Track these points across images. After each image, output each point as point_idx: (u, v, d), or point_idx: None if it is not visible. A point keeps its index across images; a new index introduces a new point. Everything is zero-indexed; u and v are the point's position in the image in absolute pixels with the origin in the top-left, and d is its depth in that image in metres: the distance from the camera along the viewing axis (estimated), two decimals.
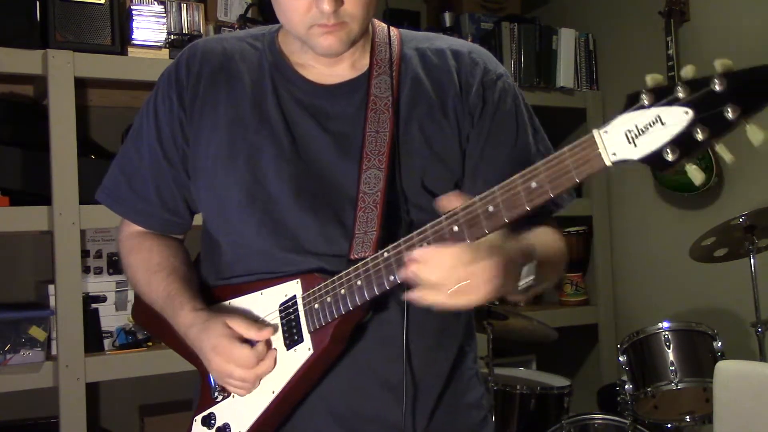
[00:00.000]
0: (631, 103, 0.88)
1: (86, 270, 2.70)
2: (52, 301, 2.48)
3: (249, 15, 2.87)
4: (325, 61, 1.26)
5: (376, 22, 1.33)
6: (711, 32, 3.07)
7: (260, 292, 1.26)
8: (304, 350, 1.19)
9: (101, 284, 2.73)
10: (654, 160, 0.87)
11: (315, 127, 1.25)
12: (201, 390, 1.36)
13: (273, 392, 1.22)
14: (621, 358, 2.60)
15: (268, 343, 1.22)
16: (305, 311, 1.20)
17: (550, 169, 0.96)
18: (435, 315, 1.15)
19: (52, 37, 2.45)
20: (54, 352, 2.48)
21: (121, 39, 2.58)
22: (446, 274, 1.03)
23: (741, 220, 2.46)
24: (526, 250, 1.12)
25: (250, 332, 1.21)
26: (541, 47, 3.45)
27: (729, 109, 0.81)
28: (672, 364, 2.50)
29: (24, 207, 2.45)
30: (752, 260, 2.49)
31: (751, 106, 0.81)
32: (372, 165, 1.21)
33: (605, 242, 3.59)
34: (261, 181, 1.24)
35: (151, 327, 1.54)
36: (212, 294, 1.33)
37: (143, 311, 1.42)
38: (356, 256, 1.17)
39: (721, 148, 0.84)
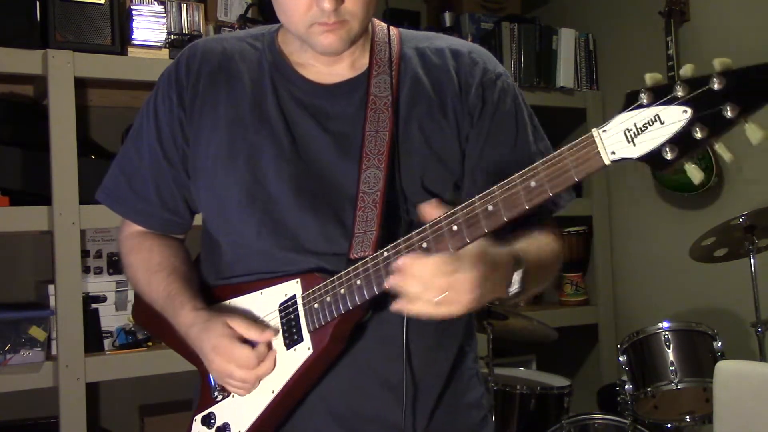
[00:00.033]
0: (630, 102, 0.88)
1: (86, 270, 2.70)
2: (52, 301, 2.48)
3: (249, 15, 2.87)
4: (324, 60, 1.26)
5: (376, 21, 1.33)
6: (711, 32, 3.07)
7: (260, 291, 1.26)
8: (304, 350, 1.19)
9: (101, 284, 2.73)
10: (653, 158, 0.87)
11: (315, 126, 1.25)
12: (201, 389, 1.36)
13: (273, 392, 1.22)
14: (621, 358, 2.60)
15: (269, 344, 1.23)
16: (305, 311, 1.20)
17: (549, 168, 0.96)
18: None
19: (52, 37, 2.45)
20: (54, 352, 2.48)
21: (121, 39, 2.58)
22: (426, 284, 1.03)
23: (741, 220, 2.46)
24: (516, 256, 1.12)
25: (251, 333, 1.21)
26: (541, 47, 3.45)
27: (728, 108, 0.81)
28: (672, 364, 2.50)
29: (24, 207, 2.45)
30: (752, 260, 2.49)
31: (750, 104, 0.81)
32: (372, 164, 1.21)
33: (605, 242, 3.59)
34: (261, 181, 1.24)
35: (151, 327, 1.54)
36: (212, 294, 1.33)
37: (143, 311, 1.43)
38: (356, 256, 1.17)
39: (720, 147, 0.84)
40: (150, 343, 2.67)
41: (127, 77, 2.60)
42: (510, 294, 1.12)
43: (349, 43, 1.21)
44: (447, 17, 3.57)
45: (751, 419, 2.06)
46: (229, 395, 1.29)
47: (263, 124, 1.25)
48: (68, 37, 2.48)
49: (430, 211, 1.07)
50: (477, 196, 1.03)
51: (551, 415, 2.69)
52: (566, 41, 3.50)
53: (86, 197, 2.42)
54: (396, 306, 1.06)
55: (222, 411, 1.30)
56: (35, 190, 2.50)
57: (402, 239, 1.09)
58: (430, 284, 1.02)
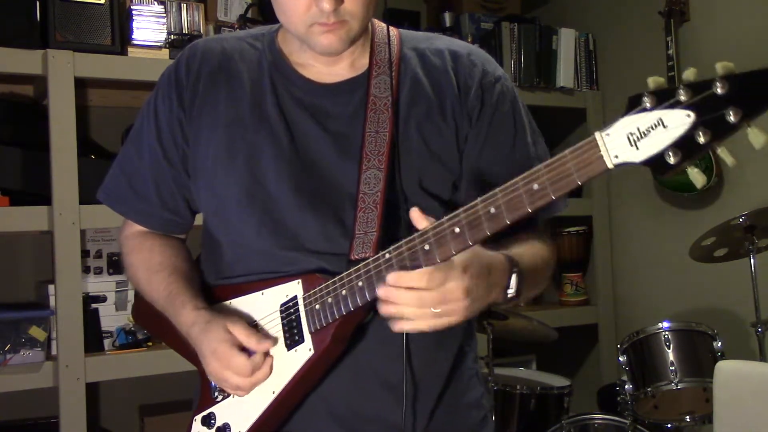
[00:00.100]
0: (633, 105, 0.88)
1: (86, 270, 2.70)
2: (52, 301, 2.48)
3: (249, 15, 2.87)
4: (324, 60, 1.26)
5: (376, 22, 1.33)
6: (711, 32, 3.07)
7: (261, 292, 1.26)
8: (305, 351, 1.19)
9: (101, 284, 2.73)
10: (656, 162, 0.87)
11: (314, 126, 1.25)
12: (201, 389, 1.36)
13: (273, 392, 1.22)
14: (621, 358, 2.60)
15: (266, 351, 1.23)
16: (306, 312, 1.20)
17: (551, 171, 0.96)
18: None
19: (52, 37, 2.45)
20: (54, 352, 2.48)
21: (121, 39, 2.58)
22: (420, 300, 1.04)
23: (741, 220, 2.47)
24: (512, 259, 1.13)
25: (250, 342, 1.21)
26: (541, 47, 3.45)
27: (731, 112, 0.81)
28: (672, 364, 2.50)
29: (24, 207, 2.45)
30: (752, 260, 2.49)
31: (752, 109, 0.80)
32: (372, 165, 1.21)
33: (605, 242, 3.60)
34: (261, 181, 1.24)
35: (151, 327, 1.54)
36: (213, 294, 1.33)
37: (143, 311, 1.43)
38: (356, 257, 1.17)
39: (723, 151, 0.84)
40: (150, 343, 2.67)
41: (127, 77, 2.60)
42: (508, 297, 1.13)
43: (349, 43, 1.21)
44: (447, 17, 3.57)
45: (751, 419, 2.06)
46: (229, 395, 1.29)
47: (263, 124, 1.26)
48: (68, 37, 2.48)
49: (418, 219, 1.07)
50: (479, 198, 1.03)
51: (551, 415, 2.69)
52: (566, 41, 3.50)
53: (86, 197, 2.42)
54: (396, 327, 1.07)
55: (222, 411, 1.30)
56: (35, 190, 2.50)
57: (404, 241, 1.09)
58: (424, 299, 1.03)
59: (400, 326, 1.07)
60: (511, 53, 3.39)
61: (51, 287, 2.50)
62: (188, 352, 1.31)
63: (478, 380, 1.38)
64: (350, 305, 1.14)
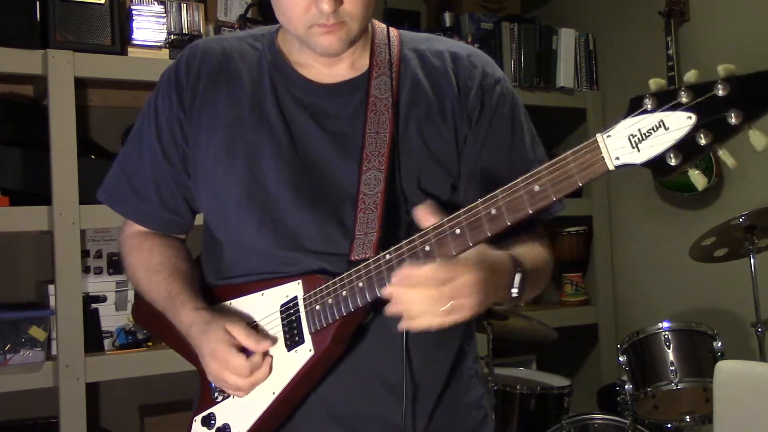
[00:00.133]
0: (634, 107, 0.88)
1: (86, 270, 2.70)
2: (52, 301, 2.48)
3: (249, 15, 2.87)
4: (324, 61, 1.26)
5: (376, 22, 1.33)
6: (711, 32, 3.07)
7: (261, 292, 1.26)
8: (305, 351, 1.19)
9: (101, 284, 2.73)
10: (657, 164, 0.87)
11: (314, 126, 1.25)
12: (201, 390, 1.36)
13: (273, 393, 1.22)
14: (621, 358, 2.60)
15: (265, 351, 1.23)
16: (306, 312, 1.20)
17: (553, 172, 0.96)
18: None
19: (52, 37, 2.45)
20: (54, 352, 2.48)
21: (121, 39, 2.58)
22: (431, 297, 1.03)
23: (741, 220, 2.46)
24: (515, 259, 1.13)
25: (249, 342, 1.21)
26: (541, 47, 3.45)
27: (732, 114, 0.81)
28: (672, 364, 2.50)
29: (24, 207, 2.45)
30: (752, 260, 2.49)
31: (754, 111, 0.81)
32: (372, 166, 1.21)
33: (605, 242, 3.60)
34: (260, 181, 1.24)
35: (151, 327, 1.54)
36: (213, 294, 1.33)
37: (143, 311, 1.43)
38: (357, 257, 1.17)
39: (724, 153, 0.84)
40: (150, 343, 2.67)
41: (127, 77, 2.60)
42: (512, 296, 1.13)
43: (348, 44, 1.21)
44: (447, 17, 3.57)
45: (751, 419, 2.06)
46: (229, 396, 1.29)
47: (262, 124, 1.26)
48: (68, 37, 2.48)
49: (425, 215, 1.07)
50: (480, 200, 1.03)
51: (551, 415, 2.69)
52: (566, 41, 3.50)
53: (86, 197, 2.42)
54: (402, 325, 1.07)
55: (222, 412, 1.30)
56: (35, 190, 2.50)
57: (405, 242, 1.09)
58: (434, 296, 1.02)
59: (408, 325, 1.06)
60: (511, 53, 3.39)
61: (51, 287, 2.50)
62: (188, 352, 1.31)
63: (478, 380, 1.38)
64: (350, 306, 1.14)
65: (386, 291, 1.06)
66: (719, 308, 3.05)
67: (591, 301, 3.60)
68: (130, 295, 2.72)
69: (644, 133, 0.87)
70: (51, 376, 2.44)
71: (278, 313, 1.23)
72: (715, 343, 2.51)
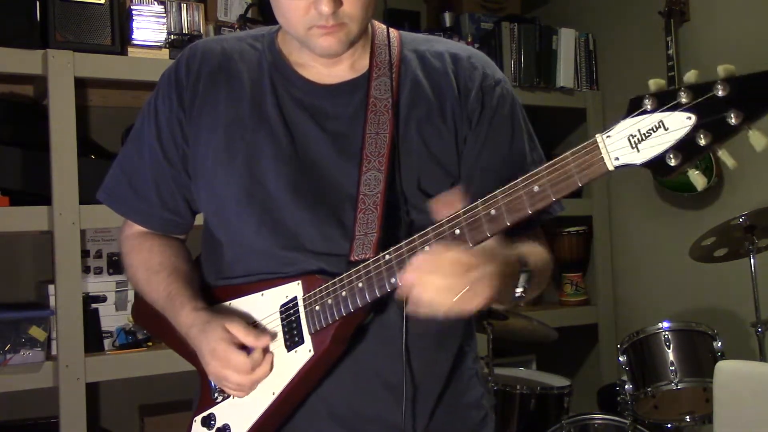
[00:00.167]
0: (634, 107, 0.88)
1: (86, 270, 2.70)
2: (52, 301, 2.48)
3: (249, 15, 2.87)
4: (324, 62, 1.26)
5: (376, 23, 1.33)
6: (711, 32, 3.07)
7: (261, 293, 1.26)
8: (305, 352, 1.19)
9: (101, 284, 2.73)
10: (656, 165, 0.87)
11: (314, 126, 1.25)
12: (201, 390, 1.36)
13: (273, 393, 1.22)
14: (621, 358, 2.60)
15: (265, 348, 1.23)
16: (306, 313, 1.20)
17: (552, 173, 0.96)
18: None
19: (52, 37, 2.45)
20: (54, 352, 2.48)
21: (121, 39, 2.58)
22: (455, 274, 1.02)
23: (741, 220, 2.47)
24: (522, 258, 1.13)
25: (248, 338, 1.21)
26: (541, 47, 3.45)
27: (732, 115, 0.81)
28: (672, 364, 2.50)
29: (24, 207, 2.45)
30: (752, 260, 2.49)
31: (754, 111, 0.81)
32: (372, 167, 1.21)
33: (605, 242, 3.60)
34: (260, 181, 1.24)
35: (151, 327, 1.54)
36: (213, 294, 1.33)
37: (143, 311, 1.43)
38: (356, 258, 1.17)
39: (723, 154, 0.84)
40: (150, 343, 2.67)
41: (127, 77, 2.60)
42: (516, 295, 1.13)
43: (348, 45, 1.21)
44: (447, 17, 3.57)
45: (751, 419, 2.06)
46: (229, 396, 1.29)
47: (262, 124, 1.25)
48: (68, 37, 2.48)
49: (447, 203, 1.06)
50: (480, 200, 1.03)
51: (551, 415, 2.69)
52: (566, 41, 3.50)
53: (86, 197, 2.42)
54: (411, 308, 1.05)
55: (222, 412, 1.30)
56: (35, 190, 2.50)
57: (404, 242, 1.09)
58: (453, 282, 1.01)
59: (414, 310, 1.05)
60: (511, 53, 3.39)
61: (51, 287, 2.50)
62: (188, 352, 1.31)
63: (478, 380, 1.38)
64: (350, 306, 1.14)
65: (417, 259, 1.04)
66: (719, 308, 3.05)
67: (591, 301, 3.60)
68: (130, 295, 2.72)
69: (644, 134, 0.87)
70: (51, 376, 2.44)
71: (278, 313, 1.23)
72: (715, 343, 2.51)
